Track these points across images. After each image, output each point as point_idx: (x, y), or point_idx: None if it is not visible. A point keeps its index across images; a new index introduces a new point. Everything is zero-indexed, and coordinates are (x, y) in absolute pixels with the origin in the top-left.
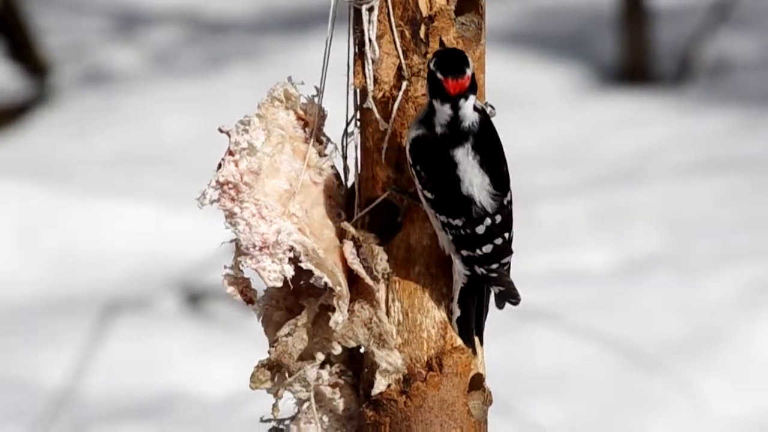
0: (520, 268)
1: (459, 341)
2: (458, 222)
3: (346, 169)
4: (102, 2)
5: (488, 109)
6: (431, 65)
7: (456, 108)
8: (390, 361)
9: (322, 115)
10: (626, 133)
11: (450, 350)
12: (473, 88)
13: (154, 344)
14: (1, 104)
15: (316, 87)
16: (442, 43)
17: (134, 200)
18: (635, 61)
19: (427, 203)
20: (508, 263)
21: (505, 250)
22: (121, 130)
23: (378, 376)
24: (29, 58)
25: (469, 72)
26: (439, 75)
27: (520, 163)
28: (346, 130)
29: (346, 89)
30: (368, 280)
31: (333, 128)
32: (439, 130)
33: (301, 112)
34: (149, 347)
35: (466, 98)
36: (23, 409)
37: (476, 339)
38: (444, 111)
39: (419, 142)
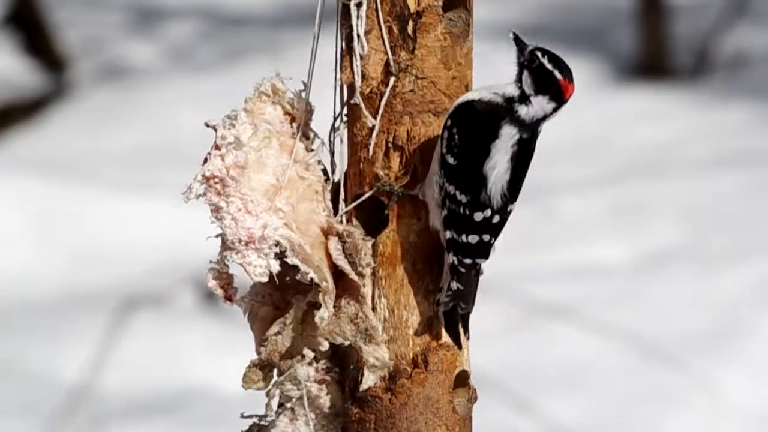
0: (539, 262)
1: (445, 338)
2: (463, 198)
3: (332, 164)
4: None
5: None
6: (544, 60)
7: (557, 110)
8: (378, 356)
9: (309, 110)
10: (644, 126)
11: (435, 347)
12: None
13: (171, 340)
14: (19, 99)
15: (303, 82)
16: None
17: (152, 196)
18: (653, 54)
19: (441, 171)
20: (479, 266)
21: (485, 250)
22: (139, 125)
23: (366, 372)
24: (47, 53)
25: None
26: (558, 74)
27: (539, 157)
28: (333, 125)
29: (334, 85)
30: (353, 276)
31: (320, 124)
32: (516, 109)
33: (288, 107)
34: (167, 343)
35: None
36: (42, 403)
37: (462, 333)
38: (543, 107)
39: (476, 104)
